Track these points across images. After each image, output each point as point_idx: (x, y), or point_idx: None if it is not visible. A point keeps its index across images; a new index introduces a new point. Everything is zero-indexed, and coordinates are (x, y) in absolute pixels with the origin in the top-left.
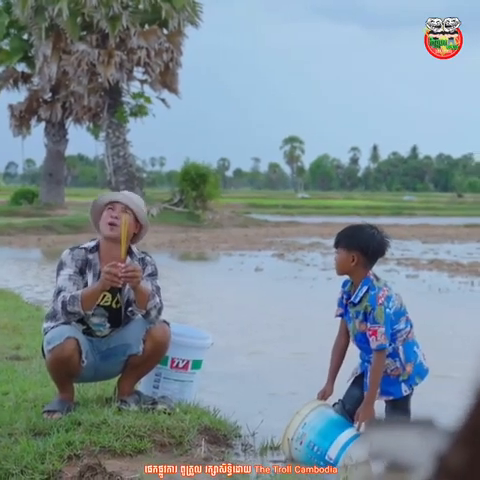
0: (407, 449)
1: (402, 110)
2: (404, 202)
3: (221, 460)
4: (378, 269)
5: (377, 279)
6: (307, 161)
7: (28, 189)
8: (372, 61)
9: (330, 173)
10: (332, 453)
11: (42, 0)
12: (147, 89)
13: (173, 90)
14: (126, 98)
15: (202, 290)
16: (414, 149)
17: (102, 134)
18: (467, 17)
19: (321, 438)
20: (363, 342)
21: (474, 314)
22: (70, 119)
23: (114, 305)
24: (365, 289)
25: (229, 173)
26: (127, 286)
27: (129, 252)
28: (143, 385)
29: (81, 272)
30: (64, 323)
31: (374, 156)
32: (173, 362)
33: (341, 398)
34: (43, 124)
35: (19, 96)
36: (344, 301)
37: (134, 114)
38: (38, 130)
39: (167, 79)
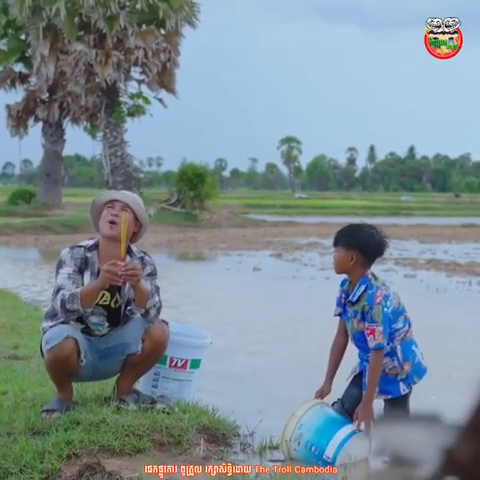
0: (413, 444)
1: (399, 110)
2: (401, 202)
3: (220, 459)
4: (376, 269)
5: (375, 278)
6: (304, 161)
7: (25, 189)
8: (369, 61)
9: (327, 173)
10: (329, 452)
11: (39, 0)
12: (144, 89)
13: (170, 90)
14: (123, 98)
15: (200, 290)
16: (411, 149)
17: (99, 134)
18: (467, 17)
19: (318, 437)
20: (361, 341)
21: (472, 314)
22: (67, 119)
23: (113, 304)
24: (363, 288)
25: (226, 173)
26: (126, 285)
27: (128, 251)
28: (142, 384)
29: (80, 271)
30: (63, 322)
31: (371, 156)
32: (172, 361)
33: (340, 397)
34: (40, 124)
35: (16, 96)
36: (342, 300)
37: (131, 114)
38: (35, 130)
39: (164, 79)
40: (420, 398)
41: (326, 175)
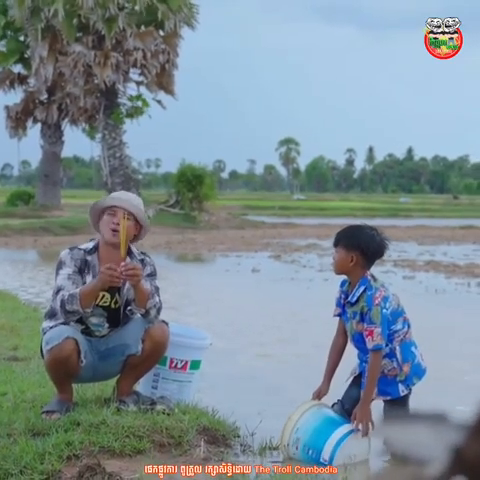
0: (421, 443)
1: (398, 112)
2: (400, 204)
3: (220, 460)
4: (375, 270)
5: (374, 280)
6: (303, 163)
7: (24, 190)
8: (368, 62)
9: (326, 175)
10: (326, 454)
11: (38, 1)
12: (143, 90)
13: (169, 91)
14: (122, 99)
15: (199, 291)
16: (410, 151)
17: (98, 135)
18: (467, 17)
19: (314, 440)
20: (360, 342)
21: (471, 315)
22: (66, 120)
23: (113, 305)
24: (362, 289)
25: (225, 175)
26: (126, 286)
27: (129, 252)
28: (142, 385)
29: (80, 272)
30: (63, 323)
31: (370, 158)
32: (172, 362)
33: (340, 398)
34: (39, 125)
35: (15, 97)
36: (342, 301)
37: (130, 115)
38: (34, 131)
39: (163, 80)
40: (420, 399)
41: (324, 176)
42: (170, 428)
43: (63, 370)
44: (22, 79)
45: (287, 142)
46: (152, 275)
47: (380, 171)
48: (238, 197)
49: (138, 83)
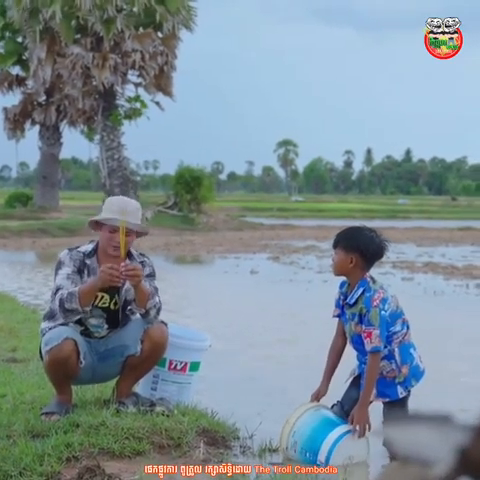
0: (426, 444)
1: (396, 113)
2: (398, 205)
3: (220, 462)
4: (373, 272)
5: (374, 281)
6: (301, 164)
7: (22, 192)
8: (366, 64)
9: (324, 176)
10: (322, 456)
11: (37, 2)
12: (141, 92)
13: (167, 93)
14: (121, 101)
15: (198, 293)
16: (408, 152)
17: (97, 137)
18: (467, 17)
19: (311, 443)
20: (359, 344)
21: (469, 317)
22: (64, 122)
23: (112, 306)
24: (361, 291)
25: (223, 176)
26: (124, 287)
27: (128, 255)
28: (141, 387)
29: (79, 272)
30: (62, 324)
31: (368, 159)
32: (171, 364)
33: (340, 399)
34: (37, 127)
35: (13, 99)
36: (341, 302)
37: (128, 117)
38: (32, 133)
39: (161, 82)
40: (419, 401)
41: (323, 178)
42: (169, 429)
43: (62, 371)
44: (20, 81)
45: (285, 144)
46: (151, 276)
47: (378, 173)
48: (236, 199)
49: (136, 85)
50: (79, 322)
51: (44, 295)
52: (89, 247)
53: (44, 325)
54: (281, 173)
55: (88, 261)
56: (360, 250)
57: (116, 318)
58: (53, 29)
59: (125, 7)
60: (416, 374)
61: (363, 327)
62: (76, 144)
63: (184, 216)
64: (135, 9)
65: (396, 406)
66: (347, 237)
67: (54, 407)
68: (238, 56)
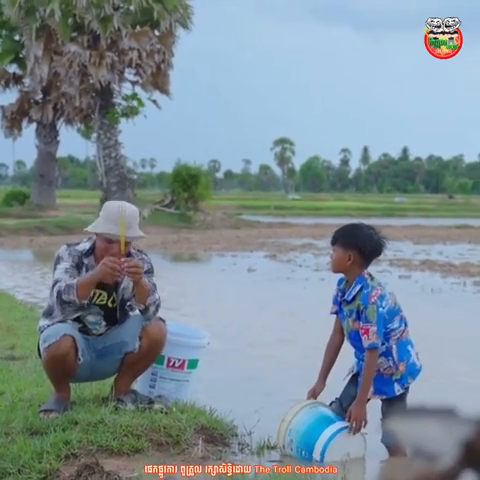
0: (431, 437)
1: (393, 112)
2: (395, 203)
3: (218, 459)
4: (371, 270)
5: (371, 278)
6: (298, 162)
7: (19, 190)
8: (363, 63)
9: (321, 174)
10: (316, 454)
11: (33, 1)
12: (138, 90)
13: (164, 91)
14: (118, 99)
15: (196, 291)
16: (405, 150)
17: (94, 135)
18: (467, 17)
19: (306, 440)
20: (357, 340)
21: (466, 314)
22: (61, 120)
23: (110, 304)
24: (358, 288)
25: (220, 175)
26: (122, 285)
27: (128, 255)
28: (139, 384)
29: (77, 267)
30: (60, 321)
31: (365, 157)
32: (169, 361)
33: (338, 396)
34: (34, 125)
35: (10, 97)
36: (339, 299)
37: (125, 115)
38: (28, 131)
39: (158, 80)
40: (416, 399)
41: (320, 176)
42: (168, 427)
43: (61, 368)
44: (17, 79)
45: (282, 142)
46: (149, 272)
47: (375, 171)
48: (233, 197)
49: (133, 83)
50: (77, 319)
51: (41, 293)
52: (86, 245)
53: (42, 323)
54: (278, 171)
55: (86, 260)
56: (358, 247)
57: (114, 315)
58: (50, 27)
59: (122, 5)
60: (412, 371)
61: (361, 324)
62: (73, 142)
63: (181, 214)
64: (132, 7)
65: (394, 404)
66: (346, 234)
67: (52, 404)
68: (235, 55)
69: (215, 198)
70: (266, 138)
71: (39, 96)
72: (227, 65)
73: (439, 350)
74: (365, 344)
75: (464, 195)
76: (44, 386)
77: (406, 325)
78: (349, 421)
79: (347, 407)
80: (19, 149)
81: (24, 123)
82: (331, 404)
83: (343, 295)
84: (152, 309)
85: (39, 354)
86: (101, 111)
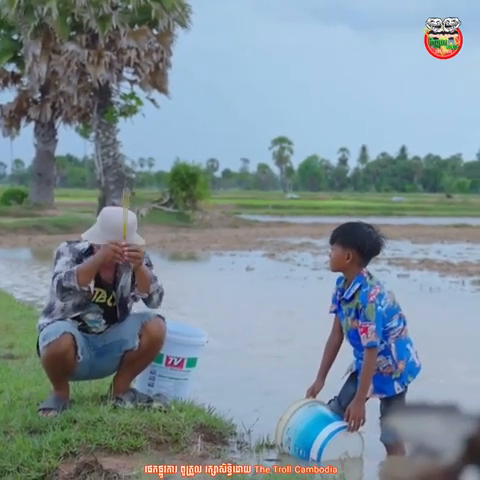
0: (433, 433)
1: (391, 111)
2: (393, 203)
3: (217, 458)
4: (369, 269)
5: (370, 277)
6: (296, 162)
7: (17, 189)
8: (362, 62)
9: (319, 174)
10: (313, 453)
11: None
12: (137, 89)
13: (163, 90)
14: (116, 98)
15: (194, 290)
16: (403, 150)
17: (92, 134)
18: (467, 17)
19: (303, 439)
20: (356, 339)
21: (465, 313)
22: (60, 119)
23: (109, 303)
24: (357, 286)
25: (218, 174)
26: (120, 283)
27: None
28: (138, 383)
29: (78, 262)
30: (60, 319)
31: (363, 157)
32: (168, 360)
33: (337, 395)
34: (32, 124)
35: (9, 96)
36: (338, 298)
37: (124, 114)
38: (27, 130)
39: (157, 79)
40: (416, 397)
41: (318, 175)
42: (167, 425)
43: (60, 366)
44: (15, 78)
45: (280, 141)
46: (148, 265)
47: (373, 170)
48: (231, 196)
49: (132, 82)
50: (77, 318)
51: (39, 292)
52: (85, 245)
53: (42, 321)
54: (276, 170)
55: (85, 259)
56: (357, 246)
57: (113, 314)
58: (48, 26)
59: (120, 4)
60: (412, 370)
61: (359, 322)
62: (71, 141)
63: (179, 213)
64: (130, 6)
65: (393, 402)
66: (344, 233)
67: (51, 403)
68: (233, 54)
69: (213, 197)
70: (264, 137)
71: (37, 95)
72: (226, 64)
73: (438, 349)
74: (364, 343)
75: (462, 194)
76: (43, 385)
77: (405, 324)
78: (348, 420)
79: (346, 406)
80: (17, 148)
81: (22, 122)
82: (329, 403)
83: (342, 294)
84: (156, 297)
85: (38, 353)
86: (99, 110)
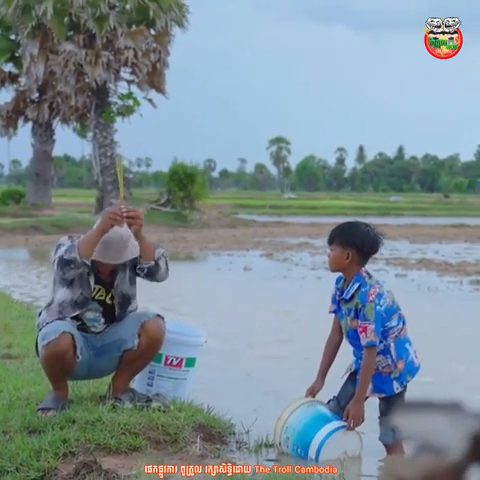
0: (438, 431)
1: (388, 111)
2: (391, 203)
3: (217, 457)
4: (367, 269)
5: (369, 276)
6: (293, 162)
7: (15, 189)
8: (360, 62)
9: (316, 174)
10: (312, 452)
11: None
12: (134, 89)
13: (160, 90)
14: (113, 98)
15: (192, 290)
16: (400, 150)
17: (89, 134)
18: (467, 17)
19: (302, 438)
20: (355, 339)
21: (463, 313)
22: (57, 119)
23: (108, 301)
24: (357, 286)
25: (215, 174)
26: (117, 281)
27: None
28: (137, 383)
29: None
30: (59, 319)
31: (360, 157)
32: (167, 360)
33: (336, 395)
34: (30, 124)
35: (6, 96)
36: (337, 298)
37: (121, 114)
38: (24, 130)
39: (154, 79)
40: (413, 396)
41: (315, 175)
42: (166, 425)
43: (59, 366)
44: (13, 78)
45: (278, 141)
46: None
47: (371, 170)
48: (229, 196)
49: (129, 82)
50: (76, 317)
51: (37, 292)
52: None
53: (40, 318)
54: (273, 170)
55: None
56: (357, 245)
57: (112, 313)
58: (46, 26)
59: (117, 4)
60: (411, 369)
61: (359, 322)
62: (68, 141)
63: (177, 213)
64: (128, 6)
65: (393, 402)
66: (343, 232)
67: (50, 403)
68: (231, 54)
69: (211, 197)
70: (262, 137)
71: (35, 95)
72: (223, 64)
73: (436, 349)
74: (363, 342)
75: (460, 194)
76: (42, 384)
77: (404, 323)
78: (347, 419)
79: (345, 405)
80: (15, 148)
81: (20, 122)
82: (329, 402)
83: (341, 294)
84: (163, 264)
85: (37, 352)
86: (97, 110)
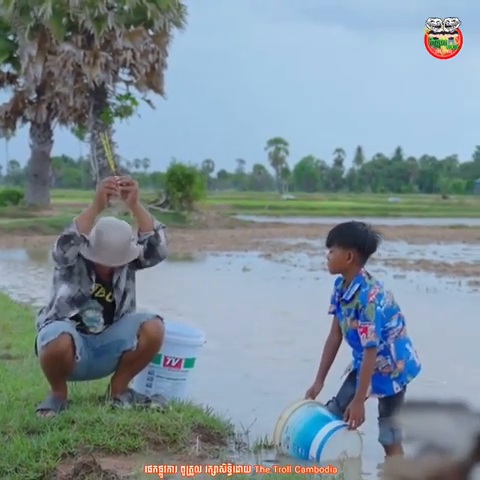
0: (442, 431)
1: (386, 111)
2: (389, 203)
3: (216, 458)
4: (365, 269)
5: (369, 277)
6: (292, 162)
7: (13, 190)
8: (358, 63)
9: (315, 174)
10: (313, 451)
11: (27, 0)
12: (132, 90)
13: (158, 91)
14: (112, 99)
15: (191, 291)
16: (398, 150)
17: (88, 135)
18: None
19: (302, 438)
20: (355, 339)
21: (461, 314)
22: (55, 120)
23: (108, 299)
24: (357, 287)
25: (213, 174)
26: (114, 280)
27: None
28: (136, 383)
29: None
30: (58, 319)
31: (358, 157)
32: (166, 360)
33: (335, 396)
34: (28, 125)
35: (4, 97)
36: (337, 299)
37: (119, 114)
38: (22, 131)
39: (153, 80)
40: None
41: (313, 176)
42: (165, 426)
43: (58, 366)
44: (11, 78)
45: (276, 142)
46: None
47: (369, 171)
48: (227, 197)
49: (127, 83)
50: (75, 317)
51: (36, 293)
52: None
53: (40, 319)
54: (272, 171)
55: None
56: (357, 245)
57: (112, 312)
58: (44, 26)
59: (116, 5)
60: (412, 369)
61: (359, 322)
62: (66, 142)
63: (175, 214)
64: (126, 7)
65: (392, 402)
66: (342, 233)
67: (49, 403)
68: (229, 54)
69: (209, 198)
70: (260, 138)
71: (33, 96)
72: (221, 65)
73: (435, 349)
74: (363, 343)
75: (458, 195)
76: (41, 385)
77: (404, 324)
78: (347, 420)
79: (344, 406)
80: (13, 149)
81: (18, 123)
82: (328, 403)
83: (341, 295)
84: (162, 234)
85: (36, 352)
86: (95, 111)
